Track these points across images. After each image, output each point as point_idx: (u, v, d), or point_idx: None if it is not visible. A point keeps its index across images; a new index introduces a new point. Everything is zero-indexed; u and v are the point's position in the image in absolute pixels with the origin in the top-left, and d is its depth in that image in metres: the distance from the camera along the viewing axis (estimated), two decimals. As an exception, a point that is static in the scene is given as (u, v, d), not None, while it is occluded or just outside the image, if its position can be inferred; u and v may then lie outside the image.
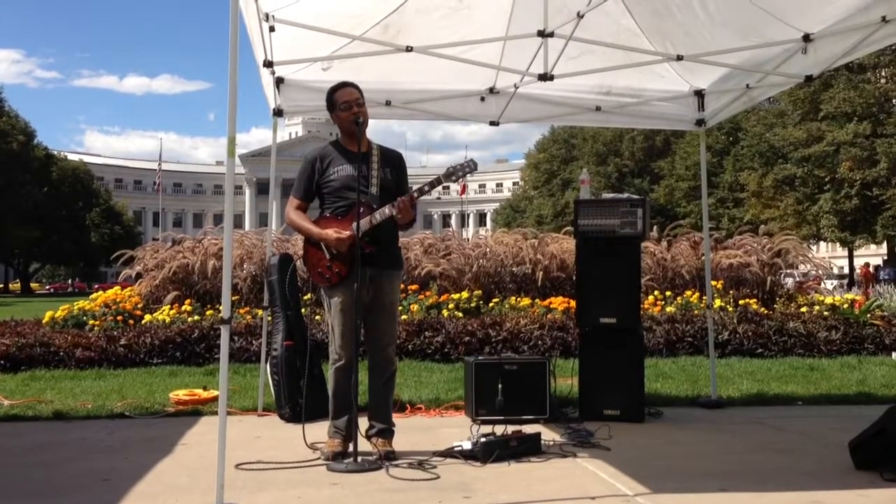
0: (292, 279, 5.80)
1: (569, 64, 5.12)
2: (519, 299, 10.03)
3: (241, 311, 9.38)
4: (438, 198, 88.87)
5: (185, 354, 8.10)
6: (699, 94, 5.95)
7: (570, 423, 5.01)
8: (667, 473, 3.85)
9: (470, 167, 4.18)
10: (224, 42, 3.41)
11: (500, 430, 4.33)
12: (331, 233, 4.09)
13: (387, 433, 4.26)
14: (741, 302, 10.10)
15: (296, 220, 4.26)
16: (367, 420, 4.27)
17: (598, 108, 6.00)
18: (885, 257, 42.59)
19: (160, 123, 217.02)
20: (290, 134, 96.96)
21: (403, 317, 9.18)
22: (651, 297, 10.21)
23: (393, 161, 4.32)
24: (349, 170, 4.17)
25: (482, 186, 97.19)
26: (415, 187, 4.24)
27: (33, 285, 63.45)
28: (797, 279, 11.44)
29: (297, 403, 5.19)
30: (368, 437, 4.24)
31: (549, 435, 4.66)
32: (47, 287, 67.76)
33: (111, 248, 20.42)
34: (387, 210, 4.06)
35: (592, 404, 5.25)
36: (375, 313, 4.20)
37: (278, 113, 5.69)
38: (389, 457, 4.10)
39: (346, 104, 4.23)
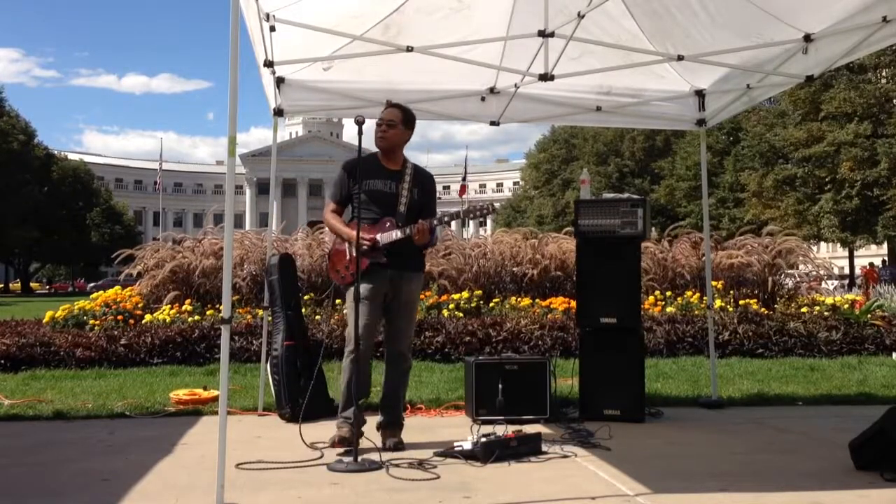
0: (292, 279, 5.80)
1: (569, 64, 5.12)
2: (519, 299, 10.03)
3: (242, 310, 9.38)
4: (439, 198, 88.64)
5: (186, 354, 8.10)
6: (700, 94, 5.95)
7: (571, 423, 5.01)
8: (667, 473, 3.85)
9: (488, 209, 4.57)
10: (224, 41, 3.42)
11: (500, 430, 4.33)
12: (355, 234, 4.30)
13: (395, 425, 4.46)
14: (742, 302, 10.10)
15: (330, 221, 4.56)
16: (379, 414, 4.52)
17: (598, 108, 6.00)
18: (885, 258, 42.57)
19: (159, 123, 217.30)
20: (291, 134, 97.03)
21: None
22: (651, 298, 10.21)
23: (423, 182, 4.54)
24: (379, 185, 4.42)
25: (482, 186, 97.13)
26: (438, 215, 4.46)
27: (33, 285, 63.41)
28: (797, 279, 11.39)
29: (297, 403, 5.19)
30: (378, 428, 4.46)
31: (549, 435, 4.66)
32: (47, 286, 67.72)
33: (111, 248, 20.40)
34: (408, 230, 4.29)
35: (593, 404, 5.25)
36: (394, 312, 4.46)
37: (279, 113, 5.70)
38: (398, 447, 4.29)
39: (379, 120, 4.48)
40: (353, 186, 4.43)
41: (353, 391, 4.30)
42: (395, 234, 4.30)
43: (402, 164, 4.52)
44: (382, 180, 4.43)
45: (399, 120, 4.48)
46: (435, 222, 4.32)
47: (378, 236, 4.31)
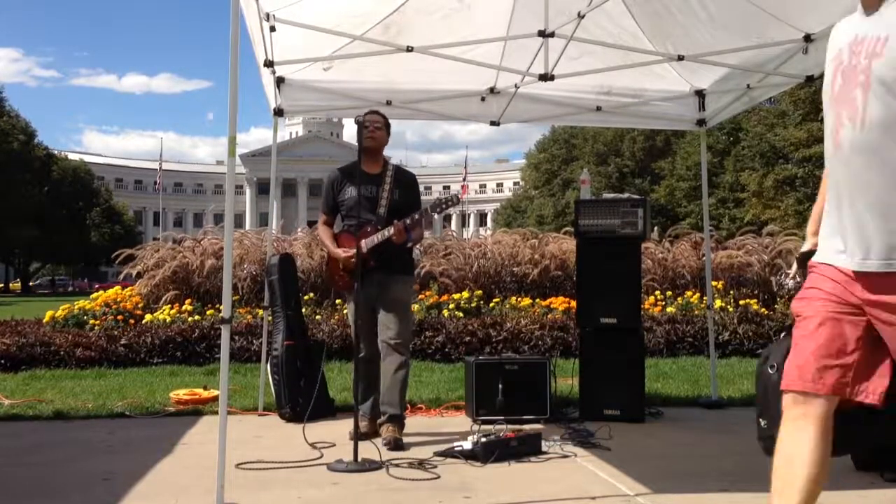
0: (293, 279, 5.80)
1: (569, 64, 5.12)
2: (519, 299, 10.04)
3: (242, 310, 9.38)
4: (439, 198, 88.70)
5: (186, 354, 8.10)
6: (700, 94, 5.94)
7: (571, 423, 5.01)
8: (667, 473, 3.85)
9: (453, 201, 4.64)
10: (224, 41, 3.41)
11: (500, 429, 4.33)
12: (340, 252, 4.60)
13: (396, 420, 4.51)
14: (742, 302, 10.10)
15: (321, 237, 4.89)
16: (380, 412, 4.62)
17: (598, 109, 5.99)
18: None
19: (159, 123, 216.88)
20: (291, 133, 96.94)
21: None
22: (652, 298, 10.21)
23: (404, 182, 4.72)
24: (361, 190, 4.54)
25: (483, 186, 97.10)
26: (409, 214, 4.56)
27: (33, 284, 63.33)
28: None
29: (297, 403, 5.20)
30: (378, 426, 4.53)
31: (549, 435, 4.65)
32: (49, 286, 67.61)
33: (112, 248, 20.35)
34: (386, 233, 4.46)
35: (593, 404, 5.25)
36: (384, 312, 4.56)
37: (279, 113, 5.69)
38: (399, 445, 4.31)
39: (367, 122, 4.58)
40: (338, 194, 4.68)
41: (355, 392, 4.36)
42: (376, 238, 4.47)
43: (382, 166, 4.70)
44: (364, 185, 4.56)
45: (383, 123, 4.71)
46: (408, 221, 4.44)
47: (361, 243, 4.44)
